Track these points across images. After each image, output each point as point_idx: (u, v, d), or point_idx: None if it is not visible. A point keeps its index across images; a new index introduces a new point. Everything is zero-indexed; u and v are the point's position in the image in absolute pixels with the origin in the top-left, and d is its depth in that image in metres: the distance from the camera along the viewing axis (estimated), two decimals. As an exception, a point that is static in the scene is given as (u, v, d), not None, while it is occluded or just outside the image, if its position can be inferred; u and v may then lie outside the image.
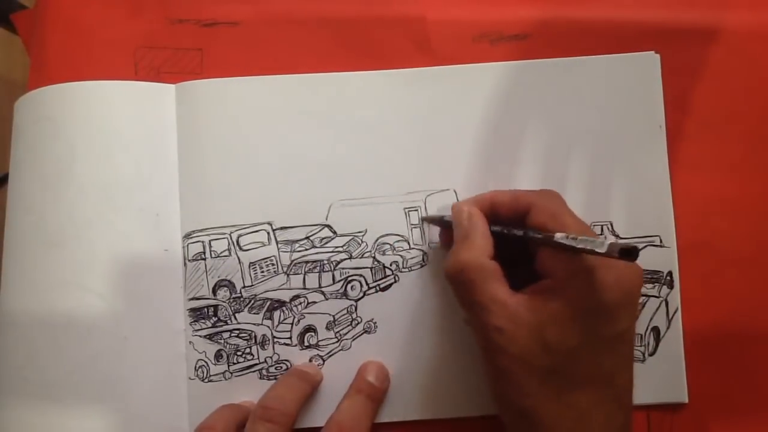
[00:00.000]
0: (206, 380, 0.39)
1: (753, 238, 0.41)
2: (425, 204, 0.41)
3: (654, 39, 0.42)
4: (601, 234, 0.41)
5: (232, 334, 0.40)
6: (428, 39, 0.42)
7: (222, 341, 0.40)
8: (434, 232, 0.41)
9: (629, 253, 0.28)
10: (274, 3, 0.43)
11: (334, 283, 0.40)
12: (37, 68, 0.43)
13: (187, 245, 0.40)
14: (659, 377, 0.40)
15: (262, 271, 0.40)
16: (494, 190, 0.38)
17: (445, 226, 0.39)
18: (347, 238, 0.40)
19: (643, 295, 0.40)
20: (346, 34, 0.43)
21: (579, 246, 0.30)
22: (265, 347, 0.40)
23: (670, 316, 0.40)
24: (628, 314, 0.33)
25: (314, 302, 0.40)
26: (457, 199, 0.41)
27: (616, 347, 0.33)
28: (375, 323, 0.40)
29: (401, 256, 0.40)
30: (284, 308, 0.40)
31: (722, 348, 0.40)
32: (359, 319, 0.40)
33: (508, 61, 0.42)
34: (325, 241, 0.41)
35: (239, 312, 0.40)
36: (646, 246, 0.41)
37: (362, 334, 0.40)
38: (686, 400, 0.40)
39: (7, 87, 0.83)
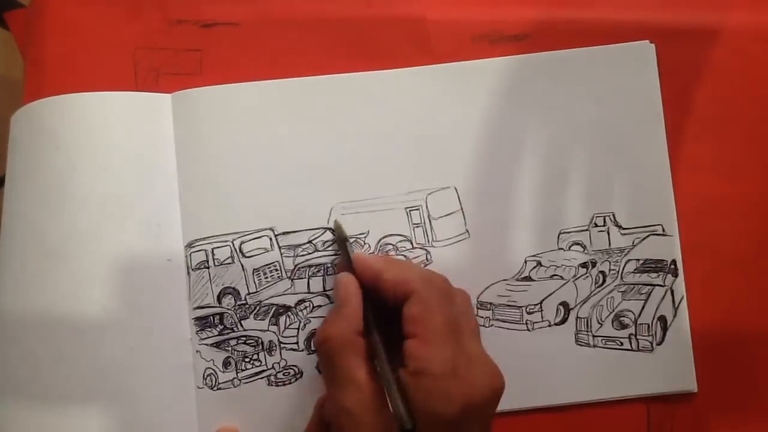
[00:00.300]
0: (215, 388, 0.39)
1: (753, 238, 0.41)
2: (426, 202, 0.41)
3: (654, 39, 0.42)
4: (603, 225, 0.41)
5: (239, 342, 0.40)
6: (428, 39, 0.42)
7: (229, 349, 0.40)
8: (437, 229, 0.40)
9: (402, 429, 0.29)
10: (274, 3, 0.43)
11: (338, 285, 0.40)
12: (34, 69, 0.43)
13: (190, 254, 0.40)
14: (668, 366, 0.40)
15: (266, 277, 0.40)
16: (388, 260, 0.37)
17: (343, 251, 0.39)
18: (350, 241, 0.40)
19: (648, 285, 0.40)
20: (346, 34, 0.43)
21: (384, 385, 0.31)
22: (273, 353, 0.40)
23: (677, 305, 0.40)
24: (473, 425, 0.32)
25: (320, 306, 0.40)
26: (458, 197, 0.41)
27: None
28: (381, 324, 0.40)
29: (404, 256, 0.40)
30: (290, 313, 0.40)
31: (724, 346, 0.40)
32: (365, 321, 0.40)
33: (505, 56, 0.42)
34: (327, 244, 0.40)
35: (245, 319, 0.40)
36: (648, 235, 0.41)
37: (369, 335, 0.40)
38: (696, 389, 0.40)
39: (7, 87, 0.83)
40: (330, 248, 0.40)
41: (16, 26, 0.46)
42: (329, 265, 0.40)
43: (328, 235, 0.40)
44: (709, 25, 0.42)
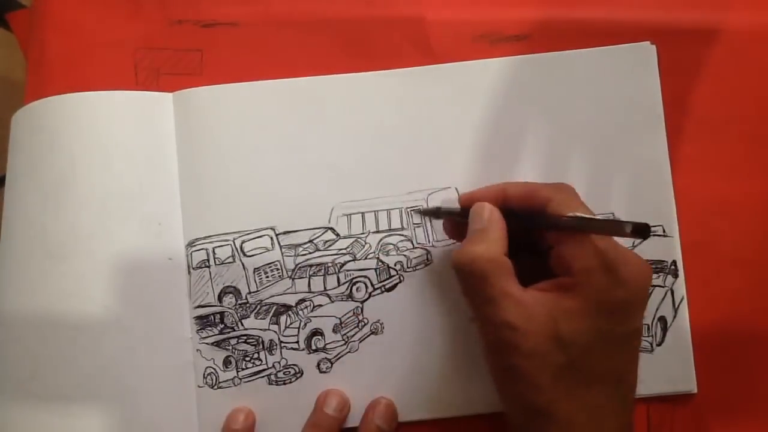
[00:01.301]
0: (215, 387, 0.39)
1: (753, 238, 0.41)
2: (427, 203, 0.41)
3: (654, 39, 0.42)
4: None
5: (240, 341, 0.40)
6: (428, 39, 0.42)
7: (230, 348, 0.40)
8: (438, 228, 0.40)
9: (644, 229, 0.28)
10: (274, 4, 0.43)
11: (339, 285, 0.40)
12: (35, 69, 0.43)
13: (191, 253, 0.40)
14: (668, 367, 0.40)
15: (267, 276, 0.40)
16: (506, 182, 0.37)
17: (444, 215, 0.39)
18: (351, 240, 0.40)
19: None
20: (345, 34, 0.43)
21: (601, 226, 0.31)
22: (273, 352, 0.40)
23: (677, 305, 0.40)
24: (641, 312, 0.33)
25: (320, 305, 0.40)
26: (459, 197, 0.41)
27: (628, 345, 0.33)
28: (382, 324, 0.40)
29: (405, 255, 0.40)
30: (290, 312, 0.40)
31: (724, 346, 0.40)
32: (366, 321, 0.40)
33: (505, 56, 0.42)
34: (328, 243, 0.40)
35: (246, 318, 0.40)
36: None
37: (369, 335, 0.40)
38: (695, 390, 0.40)
39: (7, 87, 0.83)
40: (331, 248, 0.40)
41: (19, 27, 0.46)
42: (330, 264, 0.40)
43: (329, 235, 0.41)
44: (709, 25, 0.42)
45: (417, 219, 0.41)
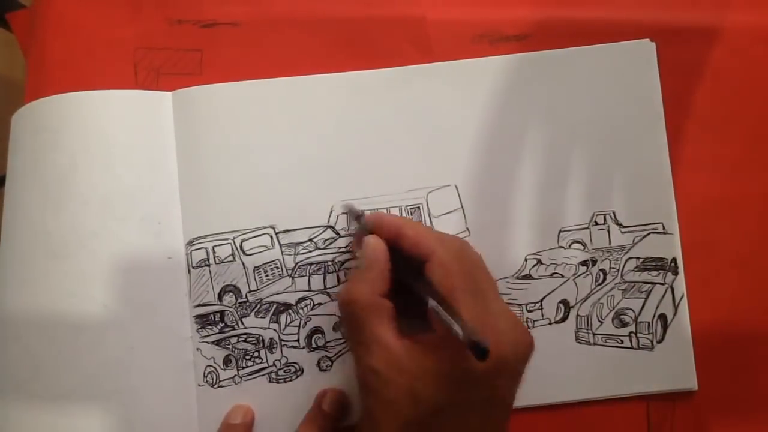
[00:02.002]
0: (216, 386, 0.39)
1: (753, 238, 0.41)
2: (427, 200, 0.41)
3: (654, 39, 0.42)
4: (604, 223, 0.41)
5: (240, 339, 0.40)
6: (428, 39, 0.42)
7: (230, 346, 0.40)
8: (438, 227, 0.40)
9: (480, 351, 0.28)
10: (274, 4, 0.43)
11: (339, 283, 0.40)
12: (35, 69, 0.43)
13: (191, 252, 0.40)
14: (668, 365, 0.40)
15: (267, 275, 0.40)
16: (404, 220, 0.37)
17: (360, 226, 0.38)
18: (350, 239, 0.40)
19: (649, 283, 0.40)
20: (346, 34, 0.43)
21: (443, 319, 0.30)
22: (273, 350, 0.40)
23: (677, 303, 0.40)
24: (504, 381, 0.32)
25: (320, 304, 0.40)
26: (459, 195, 0.41)
27: (487, 411, 0.32)
28: (382, 322, 0.40)
29: (405, 253, 0.40)
30: (290, 311, 0.40)
31: (724, 344, 0.40)
32: (366, 319, 0.40)
33: (505, 55, 0.42)
34: (328, 242, 0.41)
35: (246, 317, 0.40)
36: (649, 234, 0.41)
37: (369, 333, 0.40)
38: (696, 387, 0.40)
39: (7, 87, 0.83)
40: (331, 246, 0.40)
41: (19, 26, 0.46)
42: (330, 263, 0.40)
43: (329, 233, 0.41)
44: (709, 25, 0.42)
45: (417, 217, 0.41)
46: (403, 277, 0.34)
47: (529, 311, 0.40)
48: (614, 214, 0.40)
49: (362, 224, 0.38)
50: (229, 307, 0.40)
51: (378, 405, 0.32)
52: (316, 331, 0.40)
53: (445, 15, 0.43)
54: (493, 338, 0.30)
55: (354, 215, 0.39)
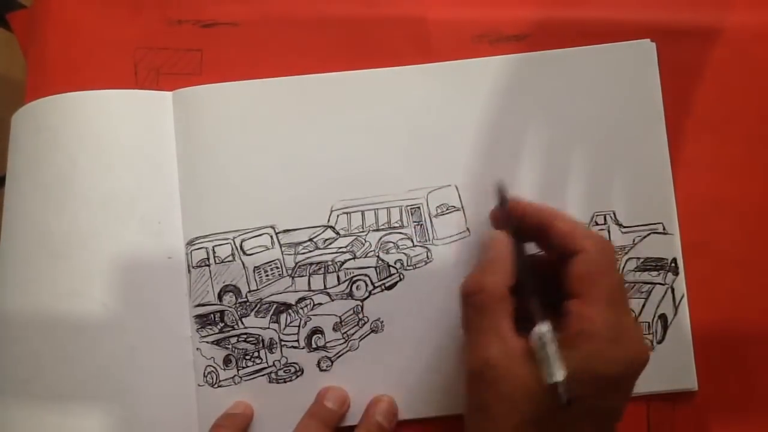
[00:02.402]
0: (216, 386, 0.39)
1: (753, 239, 0.41)
2: (427, 201, 0.41)
3: (654, 39, 0.42)
4: (604, 223, 0.41)
5: (240, 339, 0.40)
6: (428, 39, 0.42)
7: (230, 346, 0.40)
8: (439, 227, 0.40)
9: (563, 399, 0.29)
10: (274, 3, 0.43)
11: (339, 283, 0.40)
12: (35, 69, 0.43)
13: (191, 252, 0.40)
14: (668, 365, 0.40)
15: (267, 275, 0.40)
16: (557, 212, 0.35)
17: (503, 203, 0.37)
18: (350, 239, 0.40)
19: (649, 283, 0.40)
20: (345, 34, 0.43)
21: (538, 356, 0.30)
22: (273, 351, 0.40)
23: (677, 303, 0.40)
24: (628, 393, 0.32)
25: (320, 304, 0.40)
26: (459, 195, 0.41)
27: (601, 421, 0.32)
28: (382, 322, 0.40)
29: (405, 254, 0.40)
30: (290, 311, 0.40)
31: (725, 344, 0.40)
32: (366, 319, 0.40)
33: (505, 54, 0.42)
34: (328, 242, 0.40)
35: (246, 316, 0.40)
36: (649, 234, 0.41)
37: (369, 333, 0.40)
38: (696, 387, 0.40)
39: (7, 87, 0.83)
40: (331, 246, 0.40)
41: (19, 27, 0.46)
42: (330, 263, 0.40)
43: (329, 233, 0.40)
44: (709, 25, 0.42)
45: (417, 217, 0.41)
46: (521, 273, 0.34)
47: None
48: (614, 214, 0.40)
49: (503, 208, 0.37)
50: (229, 306, 0.40)
51: (494, 399, 0.31)
52: (316, 331, 0.40)
53: (445, 15, 0.43)
54: (624, 354, 0.31)
55: (501, 198, 0.37)
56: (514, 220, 0.36)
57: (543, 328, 0.31)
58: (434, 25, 0.43)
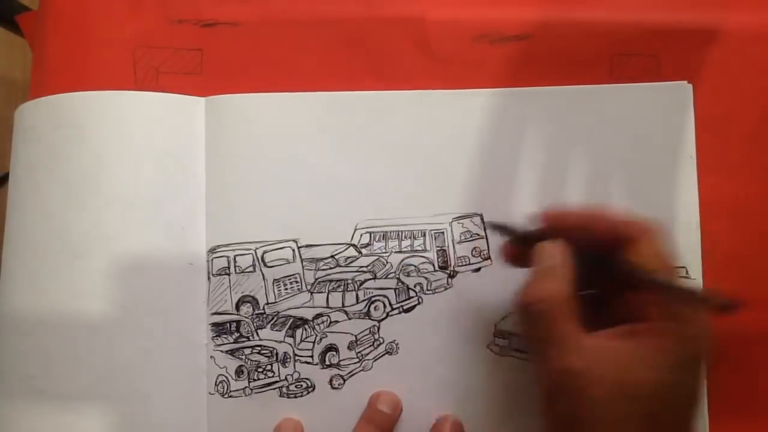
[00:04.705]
0: (226, 396, 0.39)
1: (754, 239, 0.41)
2: (451, 227, 0.41)
3: (654, 40, 0.42)
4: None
5: (254, 351, 0.40)
6: (428, 39, 0.42)
7: (243, 357, 0.40)
8: (461, 254, 0.40)
9: (731, 307, 0.29)
10: (275, 3, 0.43)
11: (357, 302, 0.40)
12: (38, 68, 0.43)
13: (212, 260, 0.40)
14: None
15: (286, 288, 0.40)
16: (597, 209, 0.35)
17: (511, 235, 0.37)
18: (372, 259, 0.40)
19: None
20: (345, 34, 0.43)
21: (672, 291, 0.30)
22: (287, 365, 0.40)
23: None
24: (703, 371, 0.32)
25: (337, 321, 0.40)
26: (483, 225, 0.40)
27: (690, 402, 0.31)
28: (397, 344, 0.40)
29: (426, 278, 0.40)
30: (306, 326, 0.40)
31: (726, 349, 0.40)
32: (381, 340, 0.40)
33: (541, 86, 0.42)
34: (350, 260, 0.40)
35: (261, 328, 0.40)
36: (671, 276, 0.40)
37: (384, 355, 0.40)
38: (706, 413, 0.40)
39: (7, 87, 0.84)
40: (352, 264, 0.40)
41: (27, 28, 0.46)
42: (350, 281, 0.40)
43: (351, 251, 0.40)
44: (709, 25, 0.42)
45: (440, 242, 0.41)
46: (591, 268, 0.33)
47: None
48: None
49: (514, 231, 0.36)
50: (245, 317, 0.40)
51: (585, 407, 0.30)
52: (331, 348, 0.40)
53: (445, 15, 0.43)
54: (699, 323, 0.30)
55: (501, 229, 0.37)
56: (542, 233, 0.35)
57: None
58: (434, 25, 0.42)
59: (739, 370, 0.40)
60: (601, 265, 0.33)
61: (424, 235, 0.41)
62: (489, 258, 0.41)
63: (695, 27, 0.42)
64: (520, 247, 0.36)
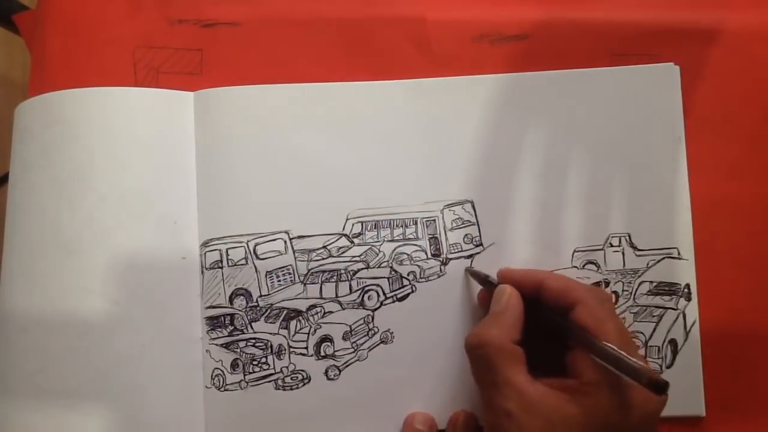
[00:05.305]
0: (222, 389, 0.39)
1: (753, 239, 0.41)
2: (443, 215, 0.41)
3: (654, 39, 0.42)
4: (618, 245, 0.40)
5: (249, 344, 0.40)
6: (428, 39, 0.42)
7: (238, 350, 0.40)
8: (453, 241, 0.40)
9: (660, 387, 0.28)
10: (275, 3, 0.43)
11: (351, 292, 0.40)
12: (38, 68, 0.43)
13: (205, 253, 0.40)
14: (676, 390, 0.39)
15: (279, 280, 0.40)
16: (548, 272, 0.38)
17: (486, 287, 0.39)
18: (365, 248, 0.40)
19: (661, 307, 0.40)
20: (346, 34, 0.43)
21: (621, 366, 0.30)
22: (281, 357, 0.40)
23: (688, 329, 0.40)
24: None
25: (331, 312, 0.40)
26: (474, 210, 0.41)
27: None
28: (392, 333, 0.40)
29: (418, 266, 0.40)
30: (301, 318, 0.40)
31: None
32: (376, 329, 0.40)
33: (530, 71, 0.42)
34: (342, 250, 0.40)
35: (255, 321, 0.40)
36: (663, 258, 0.40)
37: (379, 344, 0.40)
38: (703, 414, 0.40)
39: (7, 87, 0.83)
40: (345, 254, 0.40)
41: (25, 27, 0.46)
42: (343, 271, 0.40)
43: (343, 241, 0.40)
44: (709, 25, 0.42)
45: (432, 230, 0.41)
46: (543, 325, 0.35)
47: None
48: (629, 236, 0.40)
49: (491, 282, 0.38)
50: (239, 310, 0.40)
51: None
52: (326, 339, 0.40)
53: (445, 15, 0.43)
54: (641, 399, 0.31)
55: (480, 278, 0.39)
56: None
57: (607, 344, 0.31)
58: (434, 25, 0.43)
59: (736, 370, 0.40)
60: (551, 319, 0.35)
61: (416, 224, 0.41)
62: (481, 244, 0.41)
63: (695, 27, 0.42)
64: (490, 293, 0.37)
